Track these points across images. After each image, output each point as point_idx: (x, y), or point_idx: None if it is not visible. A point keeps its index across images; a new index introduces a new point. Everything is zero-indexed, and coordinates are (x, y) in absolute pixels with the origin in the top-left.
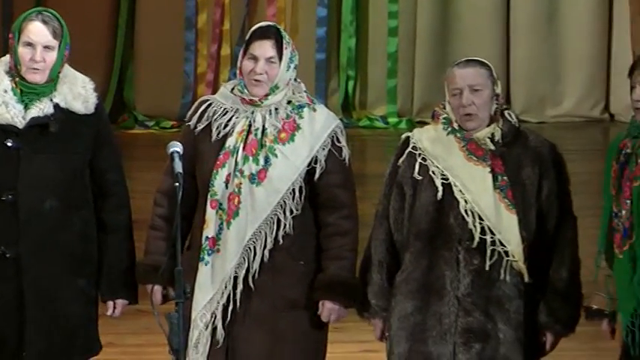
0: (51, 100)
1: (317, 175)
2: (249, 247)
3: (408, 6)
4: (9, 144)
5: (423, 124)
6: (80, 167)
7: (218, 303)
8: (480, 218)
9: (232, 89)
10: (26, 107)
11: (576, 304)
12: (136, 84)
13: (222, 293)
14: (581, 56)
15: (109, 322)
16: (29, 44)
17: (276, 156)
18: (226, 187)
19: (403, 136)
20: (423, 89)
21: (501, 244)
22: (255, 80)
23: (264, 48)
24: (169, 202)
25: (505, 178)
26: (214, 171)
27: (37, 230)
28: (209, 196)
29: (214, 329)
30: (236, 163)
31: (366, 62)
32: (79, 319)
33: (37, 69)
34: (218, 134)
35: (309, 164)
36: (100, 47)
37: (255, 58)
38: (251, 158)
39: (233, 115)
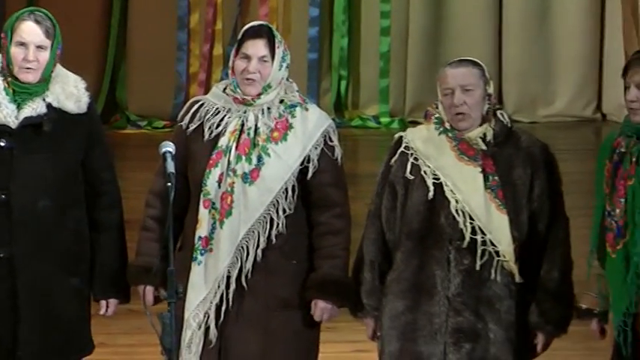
0: (43, 99)
1: (310, 174)
2: (242, 247)
3: (400, 6)
4: (2, 144)
5: (415, 123)
6: (73, 167)
7: (211, 303)
8: (471, 218)
9: (224, 89)
10: (19, 107)
11: (568, 305)
12: (129, 84)
13: (215, 293)
14: (574, 56)
15: (101, 322)
16: (22, 44)
17: (268, 155)
18: (219, 186)
19: (396, 135)
20: (415, 89)
21: (492, 244)
22: (248, 79)
23: (257, 47)
24: (161, 203)
25: (496, 178)
26: (207, 170)
27: (31, 230)
28: (202, 196)
29: (207, 329)
30: (229, 163)
31: (358, 62)
32: (73, 318)
33: (30, 69)
34: (210, 134)
35: (302, 163)
36: (93, 47)
37: (247, 58)
38: (244, 157)
39: (225, 115)
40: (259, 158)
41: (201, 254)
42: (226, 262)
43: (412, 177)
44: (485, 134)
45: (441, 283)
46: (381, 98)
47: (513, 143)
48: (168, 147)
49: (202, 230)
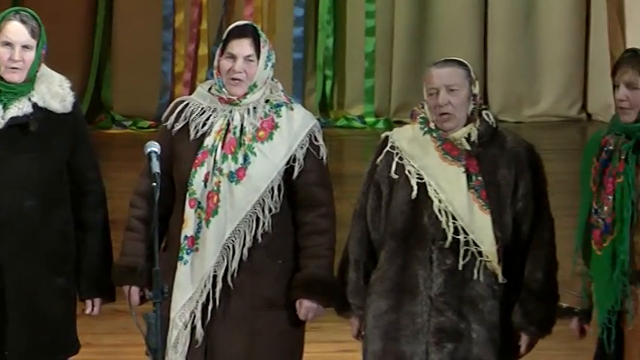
0: (29, 99)
1: (295, 174)
2: (228, 246)
3: (385, 5)
4: None
5: (400, 123)
6: (59, 166)
7: (197, 302)
8: (454, 218)
9: (210, 89)
10: (5, 107)
11: (552, 305)
12: (114, 84)
13: (202, 292)
14: (559, 55)
15: (87, 322)
16: (8, 44)
17: (254, 154)
18: (205, 185)
19: (382, 135)
20: (401, 89)
21: (475, 244)
22: (234, 79)
23: (242, 46)
24: (146, 204)
25: (479, 178)
26: (193, 170)
27: (17, 230)
28: (188, 195)
29: (193, 329)
30: (215, 162)
31: (343, 62)
32: (60, 318)
33: (16, 68)
34: (196, 133)
35: (288, 163)
36: (78, 47)
37: (233, 57)
38: (230, 157)
39: (211, 115)
40: (245, 157)
41: (187, 253)
42: (212, 261)
43: (397, 176)
44: (469, 134)
45: (423, 283)
46: (366, 98)
47: (498, 143)
48: (154, 147)
49: (188, 230)
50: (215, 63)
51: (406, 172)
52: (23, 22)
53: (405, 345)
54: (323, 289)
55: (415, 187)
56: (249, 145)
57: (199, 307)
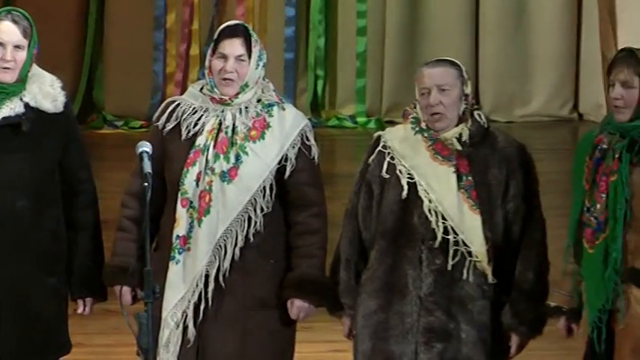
0: (21, 99)
1: (287, 173)
2: (220, 246)
3: (376, 5)
4: None
5: (391, 123)
6: (51, 166)
7: (189, 302)
8: (444, 218)
9: (201, 89)
10: None
11: (542, 306)
12: (105, 84)
13: (194, 292)
14: (550, 55)
15: (78, 322)
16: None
17: (246, 154)
18: (197, 185)
19: (375, 134)
20: (392, 89)
21: (464, 244)
22: (226, 79)
23: (234, 46)
24: (138, 204)
25: (470, 178)
26: (185, 169)
27: (9, 230)
28: (179, 195)
29: (185, 328)
30: (207, 161)
31: (334, 62)
32: (52, 318)
33: (8, 68)
34: (188, 133)
35: (280, 162)
36: (70, 47)
37: (224, 57)
38: (222, 156)
39: (203, 114)
40: (237, 157)
41: (180, 253)
42: (204, 261)
43: (388, 176)
44: (461, 134)
45: (412, 283)
46: (358, 98)
47: (490, 144)
48: (145, 147)
49: (180, 229)
50: (206, 63)
51: (397, 172)
52: (15, 22)
53: (395, 345)
54: (315, 288)
55: (405, 187)
56: (241, 144)
57: (191, 307)
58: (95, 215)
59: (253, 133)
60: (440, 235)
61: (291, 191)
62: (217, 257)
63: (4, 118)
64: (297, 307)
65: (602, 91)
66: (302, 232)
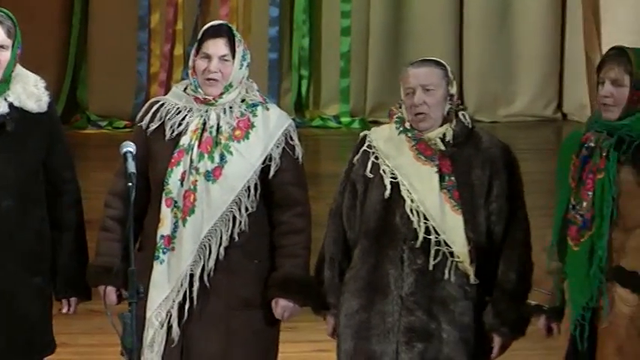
0: (5, 99)
1: (272, 173)
2: (205, 245)
3: (360, 5)
4: None
5: (375, 123)
6: (35, 166)
7: (174, 301)
8: (425, 218)
9: (185, 89)
10: None
11: (525, 307)
12: (89, 84)
13: (178, 291)
14: (534, 55)
15: (62, 322)
16: None
17: (231, 153)
18: (181, 184)
19: (361, 134)
20: (376, 89)
21: (446, 244)
22: (209, 80)
23: (218, 46)
24: (121, 204)
25: (452, 178)
26: (169, 169)
27: None
28: (164, 195)
29: (169, 328)
30: (191, 161)
31: (318, 62)
32: (37, 318)
33: None
34: (172, 133)
35: (264, 162)
36: (54, 47)
37: (208, 57)
38: (206, 156)
39: (187, 114)
40: (222, 156)
41: (164, 253)
42: (189, 260)
43: (371, 175)
44: (444, 134)
45: (394, 283)
46: (342, 98)
47: (474, 144)
48: (129, 147)
49: (165, 229)
50: (190, 63)
51: (381, 172)
52: None
53: (376, 344)
54: (299, 288)
55: (388, 187)
56: (225, 144)
57: (176, 307)
58: (79, 215)
59: (238, 132)
60: (421, 235)
61: (276, 191)
62: (202, 257)
63: None
64: (281, 306)
65: (586, 91)
66: (286, 232)
